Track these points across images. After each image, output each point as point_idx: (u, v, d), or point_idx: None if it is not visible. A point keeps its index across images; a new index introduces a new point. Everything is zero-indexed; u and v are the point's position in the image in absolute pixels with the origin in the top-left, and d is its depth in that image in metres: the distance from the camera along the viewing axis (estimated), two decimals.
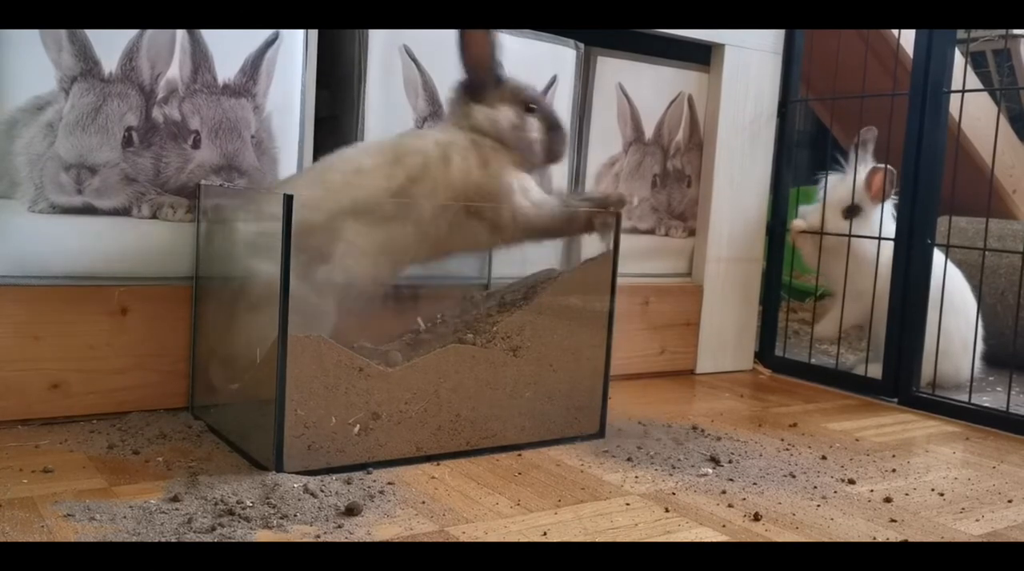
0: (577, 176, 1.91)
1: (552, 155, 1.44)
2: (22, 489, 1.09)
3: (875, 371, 1.97)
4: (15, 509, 1.03)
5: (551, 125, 1.42)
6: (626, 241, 1.89)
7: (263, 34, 1.46)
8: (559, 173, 1.83)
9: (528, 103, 1.40)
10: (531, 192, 1.38)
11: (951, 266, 1.96)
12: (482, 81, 1.39)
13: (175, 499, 1.07)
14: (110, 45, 1.34)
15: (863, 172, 2.00)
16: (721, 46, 2.01)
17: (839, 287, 2.01)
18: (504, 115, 1.38)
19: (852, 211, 2.01)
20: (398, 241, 1.31)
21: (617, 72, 1.92)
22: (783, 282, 2.22)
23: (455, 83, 1.41)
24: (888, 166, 1.98)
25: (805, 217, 2.11)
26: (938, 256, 1.90)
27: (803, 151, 3.19)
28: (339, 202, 1.28)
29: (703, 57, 2.04)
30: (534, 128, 1.40)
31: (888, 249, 1.92)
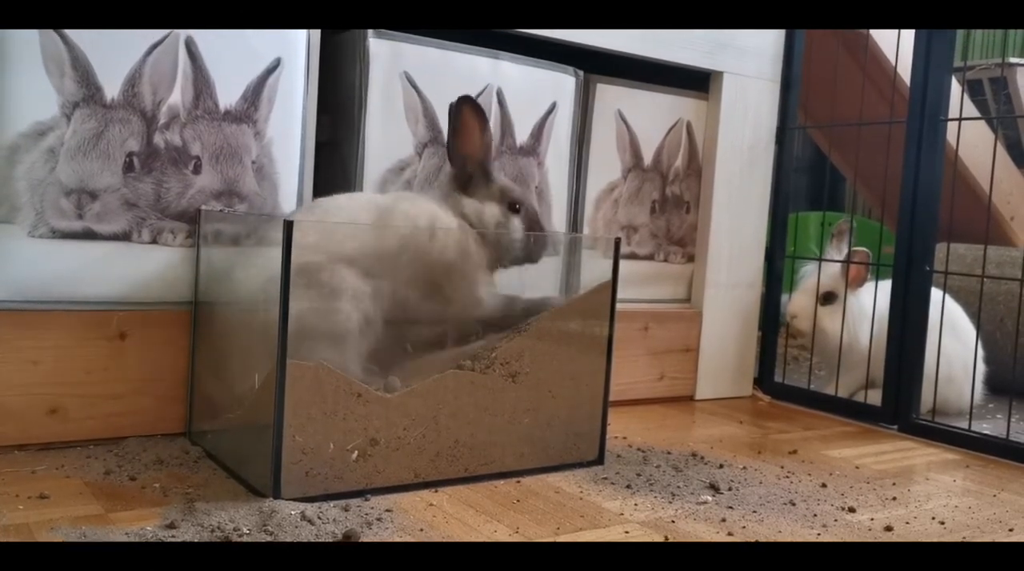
0: (576, 202, 1.91)
1: (531, 256, 1.47)
2: (18, 516, 1.08)
3: (875, 398, 1.97)
4: (11, 536, 1.02)
5: (533, 227, 1.47)
6: (625, 267, 1.90)
7: (265, 61, 1.47)
8: (558, 200, 1.84)
9: (514, 203, 1.46)
10: (482, 297, 1.41)
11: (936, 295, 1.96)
12: (471, 176, 1.44)
13: (171, 526, 1.06)
14: (112, 71, 1.35)
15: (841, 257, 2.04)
16: (720, 73, 2.02)
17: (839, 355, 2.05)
18: (490, 212, 1.44)
19: (828, 298, 2.04)
20: (378, 297, 1.32)
21: (616, 99, 1.93)
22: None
23: (447, 174, 1.46)
24: (866, 249, 2.02)
25: (789, 306, 2.12)
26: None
27: (801, 177, 3.20)
28: (336, 249, 1.29)
29: (702, 84, 2.06)
30: (517, 228, 1.45)
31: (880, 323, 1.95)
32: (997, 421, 1.95)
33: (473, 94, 1.68)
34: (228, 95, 1.45)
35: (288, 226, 1.14)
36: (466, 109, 1.43)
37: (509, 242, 1.45)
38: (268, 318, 1.18)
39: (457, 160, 1.45)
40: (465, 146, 1.44)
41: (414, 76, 1.63)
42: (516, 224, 1.46)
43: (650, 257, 2.03)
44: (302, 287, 1.24)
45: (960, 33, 2.57)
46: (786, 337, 2.17)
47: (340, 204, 1.41)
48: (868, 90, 2.15)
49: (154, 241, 1.41)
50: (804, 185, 3.29)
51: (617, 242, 1.49)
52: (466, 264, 1.38)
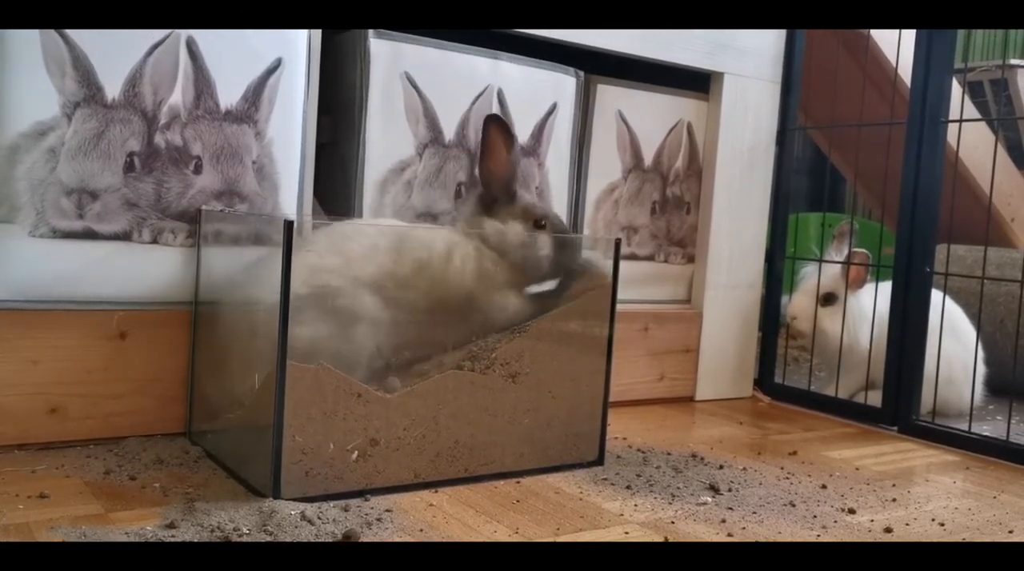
0: (576, 203, 1.91)
1: (560, 268, 1.44)
2: (18, 515, 1.08)
3: (875, 399, 1.97)
4: (11, 535, 1.02)
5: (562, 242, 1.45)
6: (625, 267, 1.90)
7: (265, 61, 1.47)
8: (559, 200, 1.84)
9: (539, 220, 1.43)
10: (508, 310, 1.39)
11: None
12: (495, 197, 1.43)
13: (171, 526, 1.06)
14: (113, 71, 1.35)
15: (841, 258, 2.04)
16: (720, 74, 2.02)
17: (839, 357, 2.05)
18: (513, 231, 1.41)
19: (828, 299, 2.04)
20: (398, 323, 1.32)
21: (617, 99, 1.93)
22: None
23: (473, 194, 1.45)
24: (865, 251, 2.02)
25: (789, 307, 2.12)
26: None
27: (802, 178, 3.20)
28: (358, 273, 1.29)
29: (702, 85, 2.06)
30: (544, 245, 1.42)
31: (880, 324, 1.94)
32: (997, 423, 1.95)
33: (473, 94, 1.69)
34: (229, 95, 1.45)
35: (288, 226, 1.14)
36: (493, 128, 1.41)
37: (536, 259, 1.42)
38: (273, 331, 1.18)
39: (483, 180, 1.44)
40: (490, 166, 1.42)
41: (415, 76, 1.63)
42: (544, 240, 1.43)
43: (650, 258, 2.03)
44: (320, 310, 1.23)
45: (961, 34, 2.58)
46: (786, 338, 2.17)
47: (362, 229, 1.40)
48: (868, 91, 2.15)
49: (155, 241, 1.41)
50: (804, 186, 3.30)
51: (617, 243, 1.49)
52: (486, 288, 1.37)
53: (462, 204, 1.48)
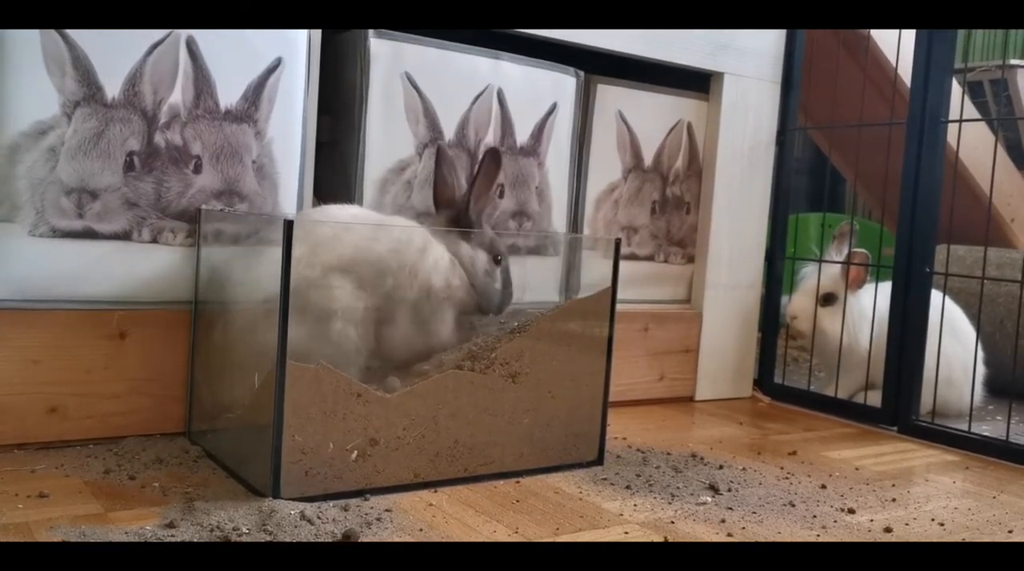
0: (576, 203, 1.91)
1: (500, 309, 1.49)
2: (17, 515, 1.08)
3: (874, 399, 1.97)
4: (10, 535, 1.02)
5: (506, 281, 1.50)
6: (625, 267, 1.90)
7: (265, 60, 1.47)
8: (558, 200, 1.84)
9: (497, 255, 1.48)
10: (444, 331, 1.41)
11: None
12: (471, 223, 1.47)
13: (171, 525, 1.06)
14: (113, 70, 1.35)
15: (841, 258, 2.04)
16: (720, 74, 2.02)
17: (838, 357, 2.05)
18: (480, 259, 1.45)
19: (828, 299, 2.04)
20: (371, 311, 1.32)
21: (617, 99, 1.93)
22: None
23: (447, 217, 1.50)
24: (865, 251, 2.02)
25: (789, 307, 2.12)
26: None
27: (802, 179, 3.20)
28: (328, 257, 1.28)
29: (702, 85, 2.06)
30: (497, 279, 1.48)
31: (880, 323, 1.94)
32: (997, 423, 1.95)
33: (473, 94, 1.69)
34: (229, 95, 1.45)
35: (288, 226, 1.14)
36: (492, 163, 1.46)
37: (492, 292, 1.46)
38: (269, 333, 1.18)
39: (474, 208, 1.47)
40: (481, 196, 1.47)
41: (415, 76, 1.63)
42: (497, 274, 1.48)
43: (650, 258, 2.03)
44: (295, 310, 1.23)
45: (961, 34, 2.58)
46: (786, 338, 2.17)
47: (333, 215, 1.41)
48: (868, 91, 2.15)
49: (154, 240, 1.41)
50: (804, 186, 3.30)
51: (617, 243, 1.49)
52: (445, 295, 1.39)
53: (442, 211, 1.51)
